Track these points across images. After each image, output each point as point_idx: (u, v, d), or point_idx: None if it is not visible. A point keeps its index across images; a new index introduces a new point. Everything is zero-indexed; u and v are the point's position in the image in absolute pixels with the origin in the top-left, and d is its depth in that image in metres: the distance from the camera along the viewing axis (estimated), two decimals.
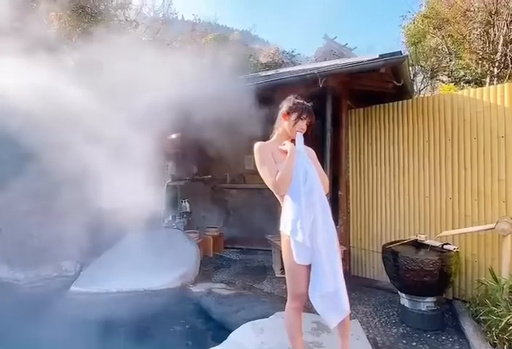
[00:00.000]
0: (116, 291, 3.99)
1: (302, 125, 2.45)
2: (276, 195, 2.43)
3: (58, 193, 3.92)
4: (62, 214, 3.99)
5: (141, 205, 3.62)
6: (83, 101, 3.91)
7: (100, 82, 4.10)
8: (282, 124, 2.50)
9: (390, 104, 4.59)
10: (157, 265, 4.19)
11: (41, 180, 3.87)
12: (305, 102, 2.53)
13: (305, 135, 2.48)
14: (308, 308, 2.58)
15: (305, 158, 2.40)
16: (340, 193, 4.78)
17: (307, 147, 2.52)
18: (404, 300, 3.48)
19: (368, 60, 3.96)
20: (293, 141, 2.46)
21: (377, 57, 3.86)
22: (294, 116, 2.44)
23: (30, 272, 4.31)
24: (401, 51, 3.88)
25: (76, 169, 3.70)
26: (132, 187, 3.61)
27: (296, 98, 2.55)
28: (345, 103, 4.89)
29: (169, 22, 15.30)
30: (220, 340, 2.87)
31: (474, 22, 11.66)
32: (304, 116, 2.44)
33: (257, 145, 2.42)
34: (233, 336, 2.93)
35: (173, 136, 5.65)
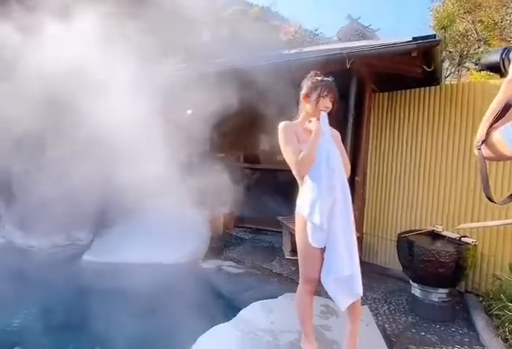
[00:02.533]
0: (127, 263, 4.03)
1: (326, 103, 2.29)
2: (297, 176, 2.36)
3: (77, 163, 3.91)
4: (79, 184, 3.99)
5: (158, 180, 3.60)
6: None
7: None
8: (304, 107, 2.37)
9: (417, 90, 4.43)
10: (168, 240, 4.21)
11: (60, 150, 3.86)
12: (325, 78, 2.35)
13: (329, 114, 2.34)
14: (317, 291, 2.56)
15: (329, 139, 2.30)
16: (356, 178, 4.69)
17: (332, 128, 2.42)
18: (416, 290, 3.46)
19: (400, 43, 3.80)
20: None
21: (410, 39, 3.69)
22: (314, 96, 2.28)
23: (44, 239, 4.39)
24: (435, 35, 3.71)
25: (95, 139, 3.67)
26: (151, 163, 3.58)
27: (314, 75, 2.39)
28: (369, 86, 4.74)
29: None
30: (228, 317, 2.88)
31: (508, 8, 11.17)
32: (325, 93, 2.28)
33: (281, 124, 2.32)
34: (242, 314, 2.94)
35: (189, 111, 5.57)
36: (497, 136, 1.14)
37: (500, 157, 1.18)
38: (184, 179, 4.05)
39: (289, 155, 2.27)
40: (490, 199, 1.26)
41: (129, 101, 3.78)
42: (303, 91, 2.36)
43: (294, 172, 2.31)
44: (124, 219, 4.56)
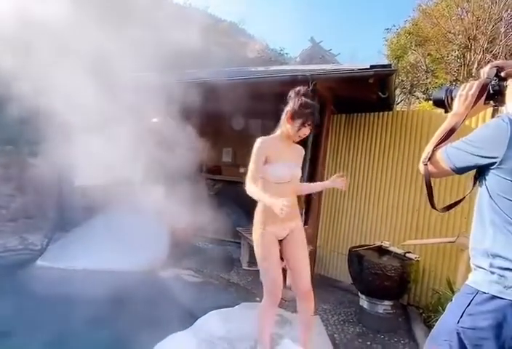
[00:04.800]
0: (82, 269, 3.95)
1: (305, 131, 2.40)
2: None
3: (34, 164, 3.79)
4: (34, 187, 3.86)
5: (120, 185, 3.57)
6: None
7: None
8: (285, 125, 2.43)
9: (372, 114, 4.75)
10: (127, 247, 4.16)
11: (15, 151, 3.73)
12: (312, 104, 2.38)
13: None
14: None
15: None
16: (312, 195, 4.91)
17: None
18: (363, 301, 3.66)
19: (359, 69, 4.09)
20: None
21: (368, 67, 4.00)
22: (298, 123, 2.35)
23: None
24: (390, 64, 4.06)
25: (54, 139, 3.59)
26: (113, 167, 3.55)
27: (303, 95, 2.39)
28: (329, 108, 5.01)
29: (157, 2, 14.87)
30: (186, 326, 2.91)
31: (453, 44, 12.19)
32: (309, 123, 2.37)
33: (258, 140, 2.40)
34: (199, 322, 2.99)
35: (155, 120, 5.57)
36: (439, 154, 1.42)
37: (440, 172, 1.45)
38: (146, 186, 4.05)
39: (249, 172, 2.37)
40: (434, 207, 1.54)
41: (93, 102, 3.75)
42: (289, 111, 2.39)
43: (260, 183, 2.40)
44: (83, 223, 4.44)
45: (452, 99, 1.52)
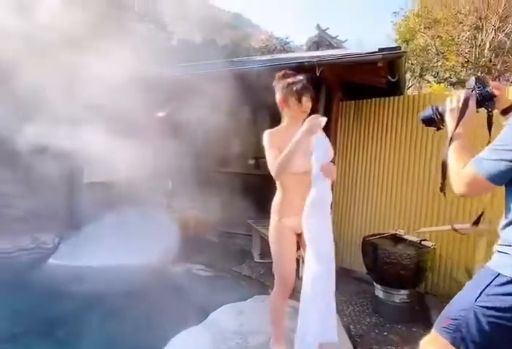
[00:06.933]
0: (94, 266, 3.95)
1: (307, 104, 2.27)
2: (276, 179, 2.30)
3: (43, 163, 3.78)
4: (44, 186, 3.86)
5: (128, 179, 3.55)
6: None
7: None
8: (284, 112, 2.34)
9: (382, 99, 4.62)
10: (137, 242, 4.15)
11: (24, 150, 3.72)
12: (297, 78, 2.27)
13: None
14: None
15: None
16: None
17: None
18: (379, 291, 3.59)
19: (366, 53, 3.97)
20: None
21: (376, 50, 3.87)
22: (292, 101, 2.25)
23: (7, 242, 4.19)
24: (400, 47, 3.92)
25: (63, 139, 3.57)
26: (121, 163, 3.53)
27: (283, 77, 2.31)
28: (337, 94, 4.90)
29: None
30: (199, 320, 2.88)
31: (464, 25, 11.83)
32: (305, 95, 2.23)
33: (266, 131, 2.31)
34: (212, 316, 2.95)
35: (160, 114, 5.54)
36: (469, 171, 1.33)
37: (477, 188, 1.37)
38: (155, 179, 4.02)
39: (269, 159, 2.24)
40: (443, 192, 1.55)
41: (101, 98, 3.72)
42: (278, 97, 2.31)
43: (273, 175, 2.25)
44: (93, 221, 4.45)
45: (440, 115, 1.56)
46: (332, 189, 4.92)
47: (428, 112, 1.61)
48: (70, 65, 3.75)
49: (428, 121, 1.62)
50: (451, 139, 1.45)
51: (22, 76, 3.42)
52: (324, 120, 2.12)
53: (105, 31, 3.87)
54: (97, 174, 3.50)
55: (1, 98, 3.57)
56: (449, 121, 1.49)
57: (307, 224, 2.11)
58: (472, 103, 1.43)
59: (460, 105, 1.44)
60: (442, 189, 1.53)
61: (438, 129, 1.61)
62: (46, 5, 3.47)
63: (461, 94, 1.47)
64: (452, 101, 1.49)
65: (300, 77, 2.31)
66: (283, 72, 2.38)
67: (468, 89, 1.44)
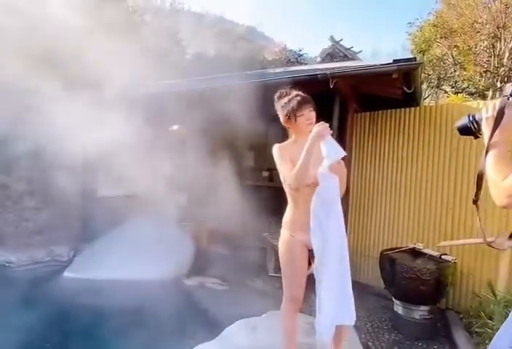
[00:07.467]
0: (108, 279, 3.96)
1: (310, 116, 2.27)
2: (290, 192, 2.29)
3: (58, 177, 3.85)
4: (59, 200, 3.92)
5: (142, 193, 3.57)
6: None
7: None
8: (290, 129, 2.36)
9: (398, 110, 4.56)
10: (151, 256, 4.15)
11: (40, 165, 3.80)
12: (294, 94, 2.30)
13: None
14: (301, 309, 2.55)
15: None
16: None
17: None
18: (398, 307, 3.48)
19: (381, 64, 3.93)
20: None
21: (391, 61, 3.83)
22: (294, 118, 2.26)
23: (23, 255, 4.26)
24: (415, 58, 3.88)
25: (76, 154, 3.63)
26: (135, 176, 3.55)
27: (280, 97, 2.35)
28: (351, 106, 4.86)
29: (176, 12, 15.10)
30: (211, 336, 2.84)
31: (481, 34, 11.71)
32: (304, 112, 2.24)
33: (275, 146, 2.33)
34: (226, 332, 2.90)
35: (175, 127, 5.59)
36: None
37: None
38: (168, 193, 4.03)
39: (284, 172, 2.23)
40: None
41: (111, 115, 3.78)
42: (281, 117, 2.34)
43: (288, 188, 2.26)
44: (107, 234, 4.48)
45: (477, 123, 1.47)
46: (348, 202, 4.90)
47: (464, 120, 1.54)
48: (84, 79, 3.84)
49: (464, 130, 1.54)
50: (487, 148, 1.36)
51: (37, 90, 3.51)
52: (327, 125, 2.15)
53: (119, 46, 3.95)
54: (111, 188, 3.52)
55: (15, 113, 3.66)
56: (485, 130, 1.42)
57: (313, 214, 2.12)
58: (508, 111, 1.35)
59: (495, 113, 1.37)
60: (475, 201, 1.44)
61: (476, 137, 1.52)
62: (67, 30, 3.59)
63: (497, 102, 1.40)
64: (487, 109, 1.42)
65: (295, 92, 2.33)
66: (278, 93, 2.39)
67: (505, 96, 1.37)
